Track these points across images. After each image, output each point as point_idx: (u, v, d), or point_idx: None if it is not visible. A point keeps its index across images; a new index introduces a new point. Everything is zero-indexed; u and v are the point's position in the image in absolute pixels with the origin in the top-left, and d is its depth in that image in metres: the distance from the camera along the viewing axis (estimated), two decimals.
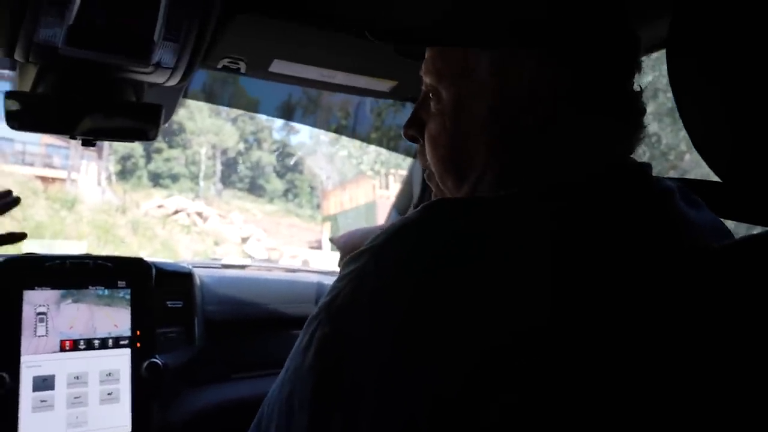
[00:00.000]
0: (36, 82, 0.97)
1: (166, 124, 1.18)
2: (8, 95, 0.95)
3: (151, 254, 7.53)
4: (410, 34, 0.60)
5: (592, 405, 0.40)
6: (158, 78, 1.00)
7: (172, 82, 1.01)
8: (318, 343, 0.47)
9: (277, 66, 1.07)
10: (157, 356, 1.12)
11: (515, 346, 0.40)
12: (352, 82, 1.17)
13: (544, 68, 0.53)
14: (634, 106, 0.56)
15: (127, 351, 1.11)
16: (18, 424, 0.99)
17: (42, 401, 1.02)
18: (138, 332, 1.12)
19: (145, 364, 1.10)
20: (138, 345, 1.12)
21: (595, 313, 0.41)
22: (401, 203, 1.59)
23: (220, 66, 1.07)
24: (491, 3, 0.55)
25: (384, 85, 1.19)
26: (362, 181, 12.77)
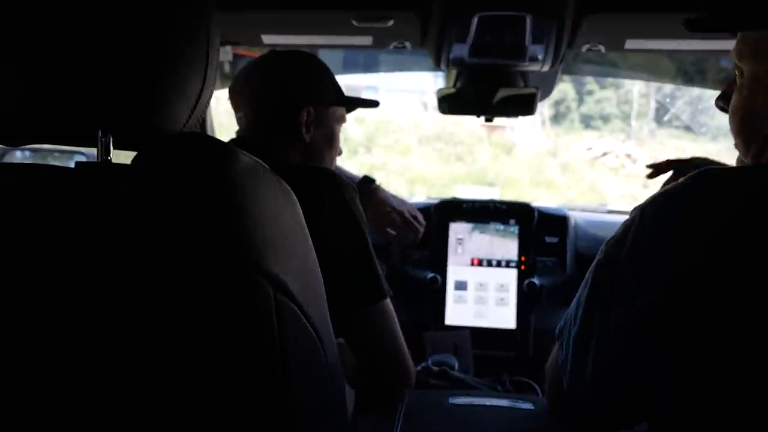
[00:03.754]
0: (455, 81, 1.41)
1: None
2: (439, 91, 1.42)
3: (577, 196, 7.95)
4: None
5: None
6: (534, 67, 1.32)
7: (545, 69, 1.32)
8: (595, 264, 0.74)
9: (631, 44, 1.26)
10: (535, 277, 1.49)
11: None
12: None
13: None
14: None
15: (514, 271, 1.51)
16: (445, 309, 1.51)
17: (459, 297, 1.52)
18: (522, 258, 1.51)
19: (526, 281, 1.48)
20: (522, 267, 1.51)
21: None
22: None
23: (584, 50, 1.32)
24: None
25: None
26: None
